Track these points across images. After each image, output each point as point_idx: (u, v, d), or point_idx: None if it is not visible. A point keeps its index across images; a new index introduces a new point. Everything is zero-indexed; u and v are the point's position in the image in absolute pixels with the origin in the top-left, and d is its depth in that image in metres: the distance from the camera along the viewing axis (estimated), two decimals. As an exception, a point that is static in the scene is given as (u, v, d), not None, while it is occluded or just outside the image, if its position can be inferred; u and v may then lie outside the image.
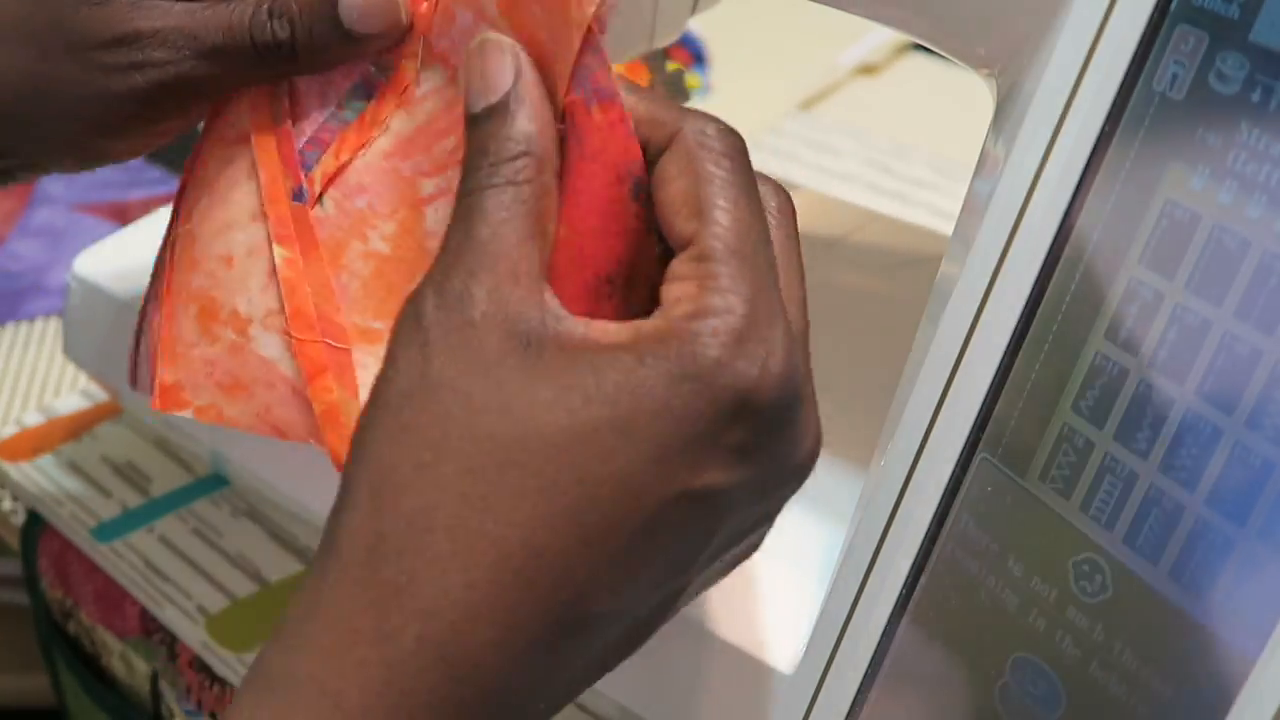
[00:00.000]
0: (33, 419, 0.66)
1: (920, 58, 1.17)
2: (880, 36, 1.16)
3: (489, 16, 0.36)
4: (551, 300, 0.30)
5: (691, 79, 1.06)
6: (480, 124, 0.31)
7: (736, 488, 0.29)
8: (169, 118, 0.39)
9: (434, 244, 0.36)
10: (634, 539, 0.28)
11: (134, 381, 0.43)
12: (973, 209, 0.36)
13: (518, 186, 0.30)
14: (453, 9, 0.38)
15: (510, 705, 0.28)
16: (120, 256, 0.59)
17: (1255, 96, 0.27)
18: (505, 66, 0.31)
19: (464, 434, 0.28)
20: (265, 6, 0.37)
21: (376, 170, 0.39)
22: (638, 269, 0.33)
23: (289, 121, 0.40)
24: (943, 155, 1.00)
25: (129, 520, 0.60)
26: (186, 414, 0.40)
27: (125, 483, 0.62)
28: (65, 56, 0.37)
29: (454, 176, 0.37)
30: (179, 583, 0.57)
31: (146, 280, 0.45)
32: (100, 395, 0.67)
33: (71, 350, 0.59)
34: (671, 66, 0.54)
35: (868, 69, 1.14)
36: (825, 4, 0.43)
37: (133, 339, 0.43)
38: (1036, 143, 0.32)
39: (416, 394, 0.29)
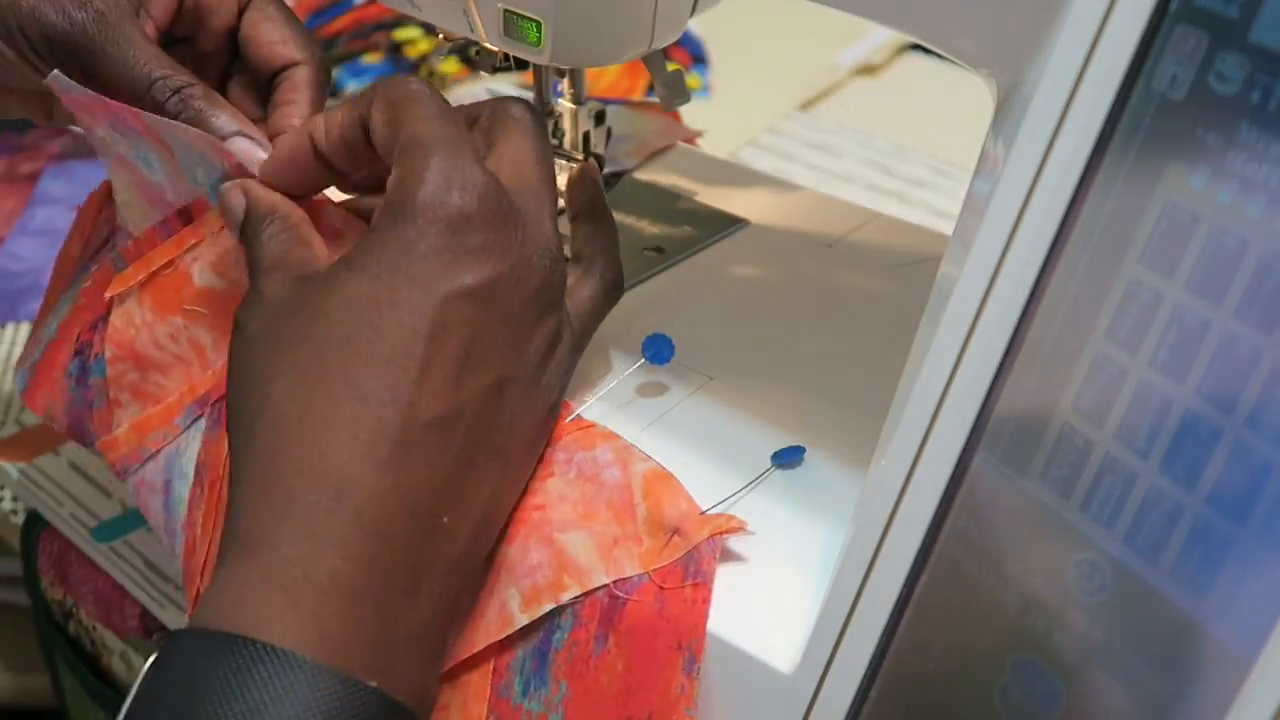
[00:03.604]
0: (33, 419, 0.66)
1: (920, 58, 1.17)
2: (880, 36, 1.16)
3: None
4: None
5: (691, 79, 1.06)
6: (244, 236, 0.42)
7: (493, 279, 0.38)
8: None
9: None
10: (428, 348, 0.37)
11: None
12: (973, 209, 0.36)
13: (277, 233, 0.41)
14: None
15: (416, 516, 0.36)
16: (120, 256, 0.58)
17: (1255, 97, 0.27)
18: (239, 202, 0.42)
19: (308, 344, 0.37)
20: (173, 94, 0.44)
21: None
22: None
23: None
24: (942, 155, 1.00)
25: (129, 520, 0.60)
26: None
27: (125, 483, 0.62)
28: None
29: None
30: (179, 583, 0.57)
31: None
32: (100, 395, 0.67)
33: (71, 350, 0.59)
34: (671, 66, 0.54)
35: (868, 69, 1.14)
36: (825, 4, 0.43)
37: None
38: (1036, 143, 0.32)
39: (267, 336, 0.39)
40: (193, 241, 0.45)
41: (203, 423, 0.45)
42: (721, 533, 0.39)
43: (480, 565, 0.40)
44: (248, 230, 0.42)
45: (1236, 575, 0.27)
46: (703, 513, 0.40)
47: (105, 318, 0.47)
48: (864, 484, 0.38)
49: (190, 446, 0.45)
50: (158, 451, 0.45)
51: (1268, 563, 0.27)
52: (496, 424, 0.39)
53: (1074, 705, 0.31)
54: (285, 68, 0.47)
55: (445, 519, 0.37)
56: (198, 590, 0.43)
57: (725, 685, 0.39)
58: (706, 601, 0.38)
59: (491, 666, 0.40)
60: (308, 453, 0.36)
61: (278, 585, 0.34)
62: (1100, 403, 0.30)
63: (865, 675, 0.36)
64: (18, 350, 0.75)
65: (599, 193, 0.48)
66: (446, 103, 0.40)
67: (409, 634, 0.36)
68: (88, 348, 0.47)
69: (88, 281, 0.48)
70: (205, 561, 0.43)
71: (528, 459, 0.41)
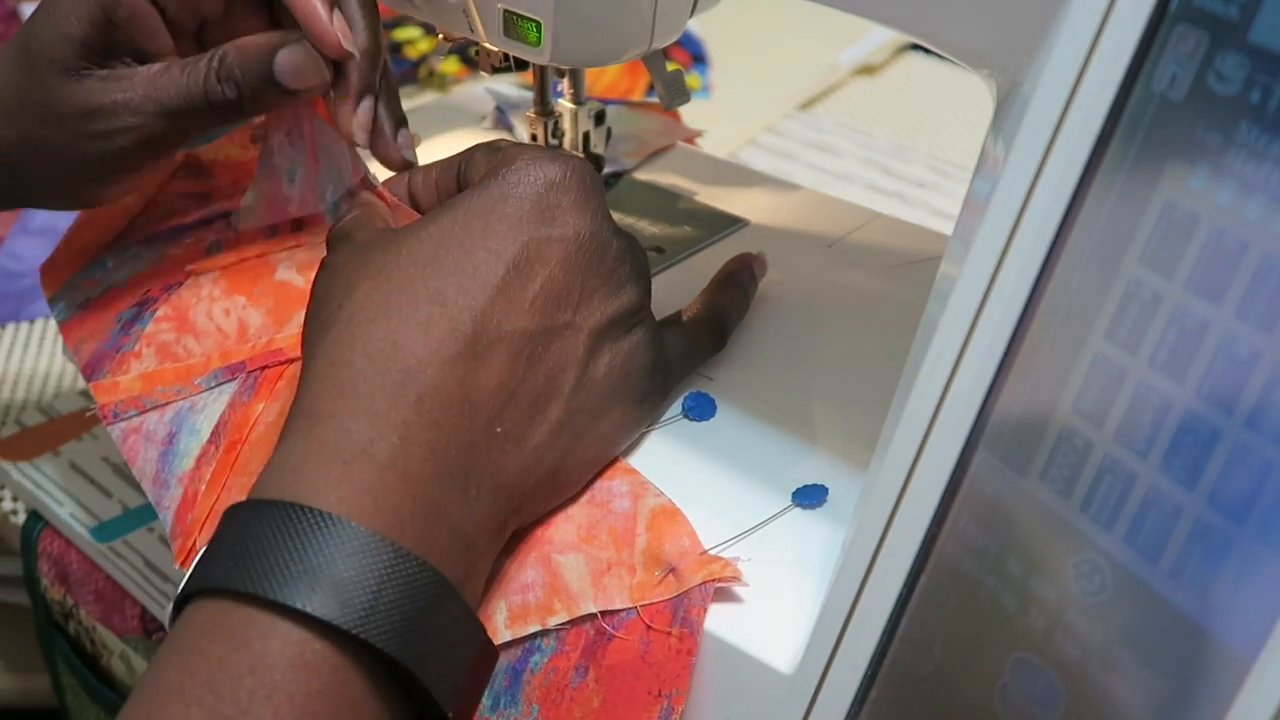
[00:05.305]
0: (33, 419, 0.66)
1: (920, 58, 1.17)
2: (880, 36, 1.16)
3: None
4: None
5: (691, 79, 1.06)
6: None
7: (578, 236, 0.41)
8: (143, 167, 0.47)
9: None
10: (509, 272, 0.39)
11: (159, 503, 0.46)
12: (973, 209, 0.36)
13: (362, 212, 0.44)
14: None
15: (474, 418, 0.38)
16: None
17: (1255, 97, 0.27)
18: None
19: (395, 284, 0.39)
20: (214, 71, 0.45)
21: None
22: None
23: None
24: (942, 155, 1.00)
25: (129, 520, 0.60)
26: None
27: (125, 483, 0.62)
28: (52, 125, 0.45)
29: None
30: (179, 582, 0.57)
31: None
32: (100, 395, 0.67)
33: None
34: (671, 66, 0.54)
35: (868, 69, 1.14)
36: (825, 4, 0.43)
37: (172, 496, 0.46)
38: (1036, 143, 0.32)
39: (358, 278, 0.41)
40: (292, 244, 0.48)
41: (232, 386, 0.45)
42: (715, 580, 0.39)
43: (532, 513, 0.40)
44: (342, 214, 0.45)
45: (1236, 575, 0.27)
46: (703, 552, 0.39)
47: (179, 285, 0.49)
48: (864, 484, 0.39)
49: (211, 407, 0.45)
50: (165, 404, 0.46)
51: (1268, 563, 0.27)
52: (561, 364, 0.40)
53: (1074, 705, 0.31)
54: None
55: (499, 430, 0.38)
56: (193, 544, 0.43)
57: (725, 685, 0.39)
58: (691, 654, 0.38)
59: None
60: (380, 338, 0.37)
61: (335, 458, 0.35)
62: (1100, 403, 0.30)
63: (865, 675, 0.36)
64: (18, 350, 0.75)
65: (743, 274, 0.52)
66: None
67: (457, 529, 0.36)
68: (151, 303, 0.48)
69: (178, 249, 0.50)
70: (206, 517, 0.43)
71: (585, 425, 0.41)
